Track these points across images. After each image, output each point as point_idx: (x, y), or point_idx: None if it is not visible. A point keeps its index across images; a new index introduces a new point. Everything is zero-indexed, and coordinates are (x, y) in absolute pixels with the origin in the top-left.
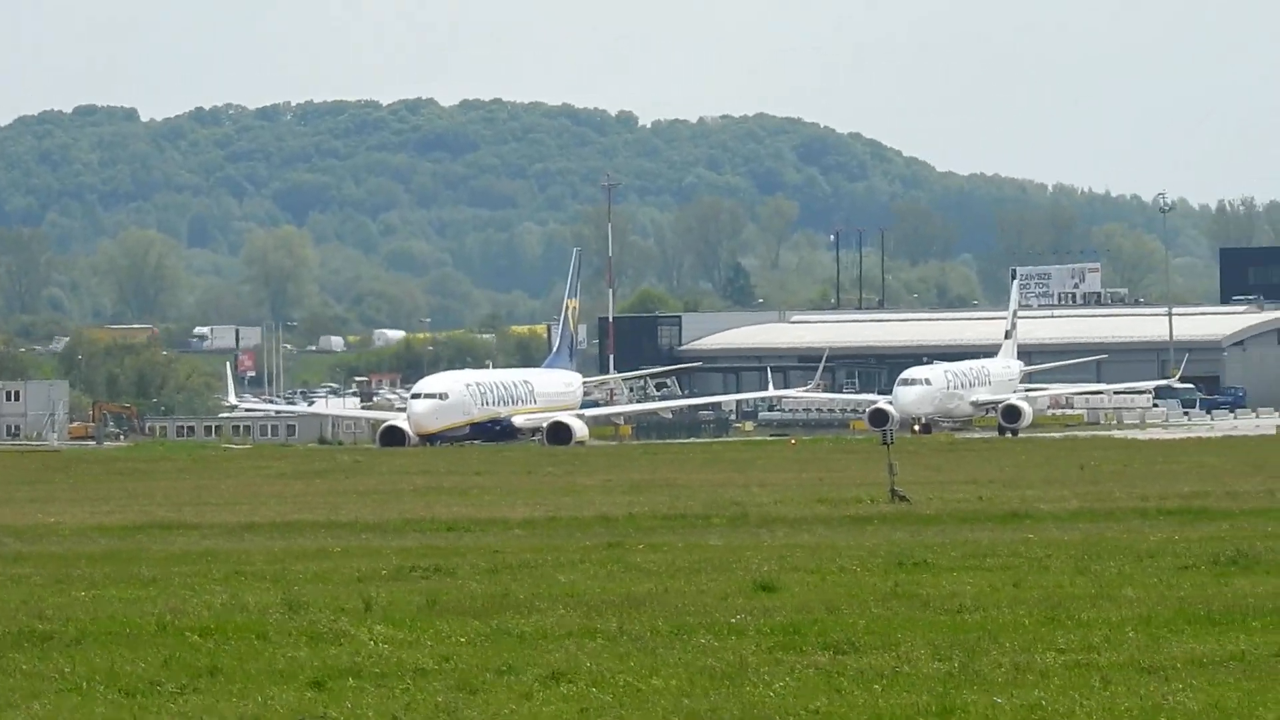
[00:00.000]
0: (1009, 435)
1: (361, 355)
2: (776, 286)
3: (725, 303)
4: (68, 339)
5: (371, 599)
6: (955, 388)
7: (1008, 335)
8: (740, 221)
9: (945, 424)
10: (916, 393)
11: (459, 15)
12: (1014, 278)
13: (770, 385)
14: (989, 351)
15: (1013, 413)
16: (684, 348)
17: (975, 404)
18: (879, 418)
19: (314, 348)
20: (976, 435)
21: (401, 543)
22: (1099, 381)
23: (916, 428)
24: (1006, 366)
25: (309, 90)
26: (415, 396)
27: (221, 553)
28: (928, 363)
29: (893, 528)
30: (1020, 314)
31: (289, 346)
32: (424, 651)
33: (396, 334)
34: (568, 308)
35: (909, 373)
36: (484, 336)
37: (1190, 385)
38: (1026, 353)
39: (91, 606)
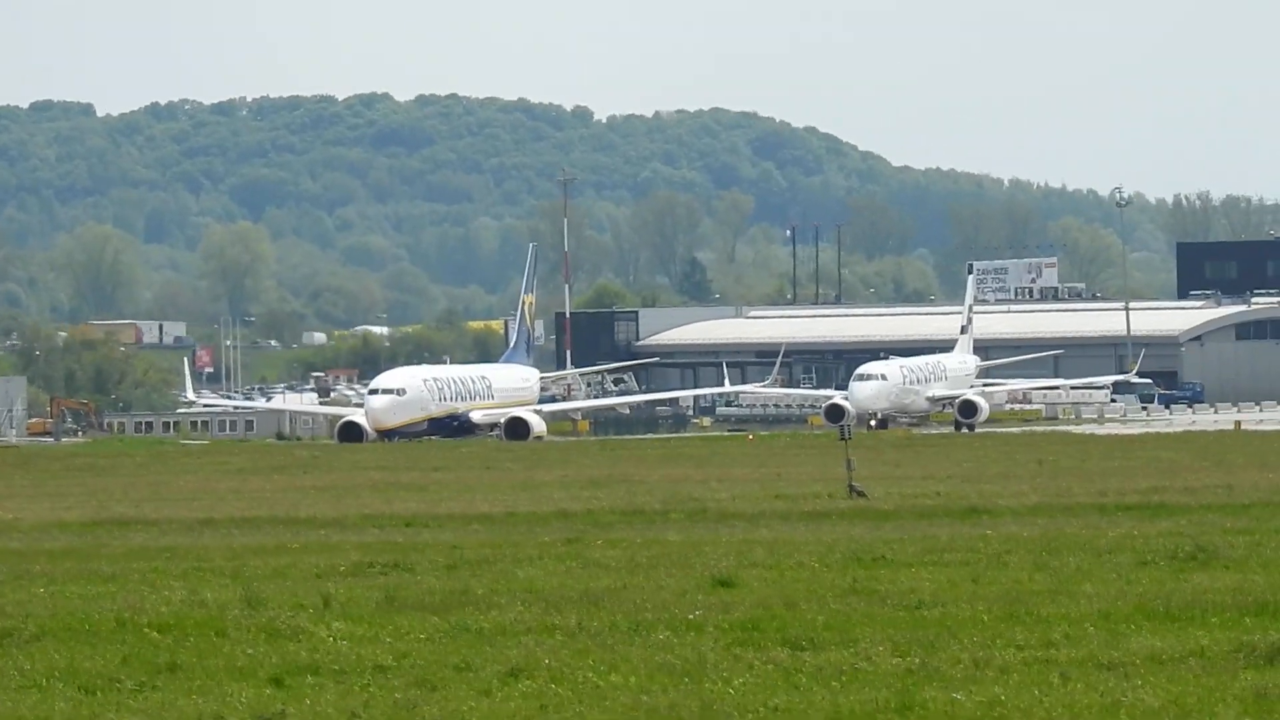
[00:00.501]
0: (965, 430)
1: (320, 350)
2: (733, 281)
3: (682, 298)
4: (15, 336)
5: (330, 595)
6: (911, 383)
7: (964, 330)
8: (696, 216)
9: (903, 419)
10: (872, 388)
11: (414, 10)
12: (970, 272)
13: (726, 380)
14: (946, 346)
15: (969, 408)
16: (641, 343)
17: (931, 399)
18: (835, 413)
19: (275, 344)
20: (934, 431)
21: (360, 539)
22: (1056, 376)
23: (873, 423)
24: (963, 362)
25: (265, 85)
26: (373, 392)
27: (180, 549)
28: (884, 358)
29: (851, 523)
30: (977, 309)
31: (229, 343)
32: (383, 648)
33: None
34: (524, 303)
35: (864, 368)
36: (445, 331)
37: (1148, 380)
38: (983, 348)
39: (50, 603)
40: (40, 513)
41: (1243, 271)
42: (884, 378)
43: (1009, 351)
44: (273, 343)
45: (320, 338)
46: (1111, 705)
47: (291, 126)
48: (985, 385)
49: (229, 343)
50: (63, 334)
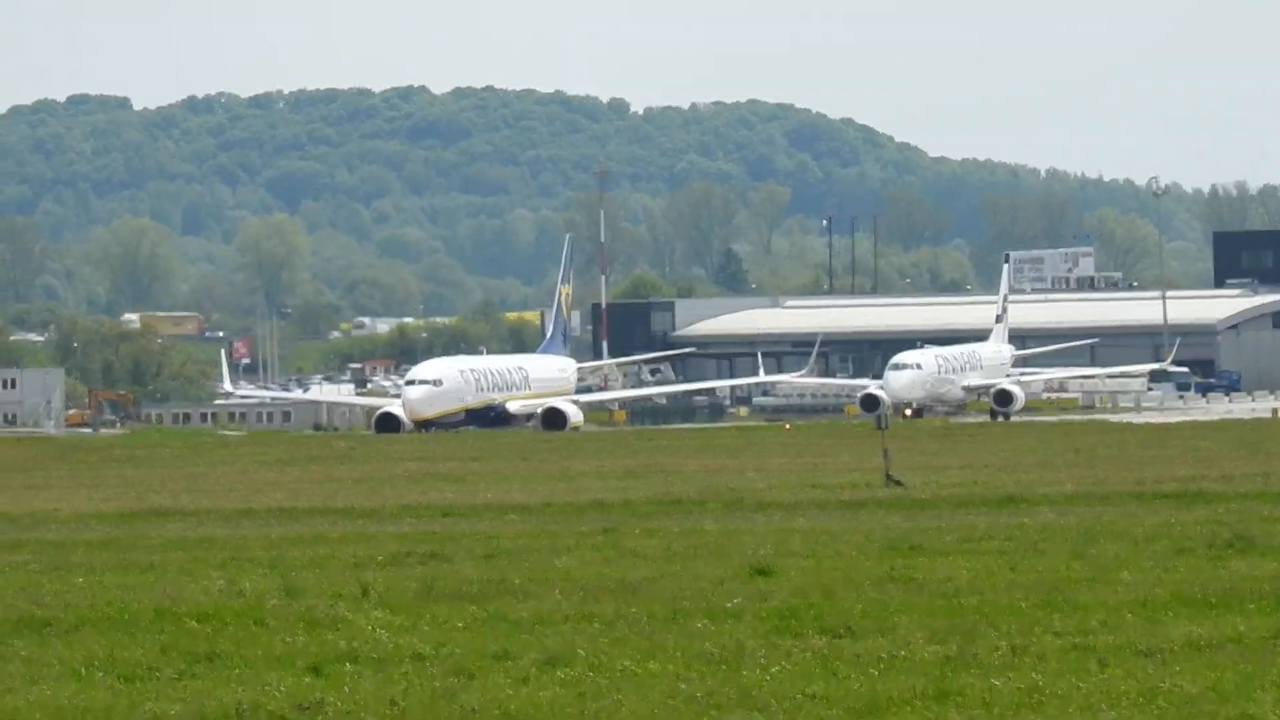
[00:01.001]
0: (1001, 419)
1: (356, 342)
2: (769, 272)
3: (718, 289)
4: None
5: (368, 585)
6: (946, 372)
7: (999, 320)
8: (732, 207)
9: (940, 409)
10: (908, 377)
11: (452, 3)
12: (1007, 262)
13: (761, 370)
14: (982, 336)
15: (1004, 397)
16: (677, 333)
17: (966, 388)
18: (870, 403)
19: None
20: (971, 420)
21: (397, 529)
22: (1093, 366)
23: (908, 412)
24: (998, 351)
25: (301, 79)
26: (410, 383)
27: (218, 539)
28: (920, 348)
29: (888, 512)
30: (1014, 298)
31: (264, 335)
32: (421, 637)
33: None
34: (561, 294)
35: (900, 357)
36: (481, 323)
37: (1185, 369)
38: (1020, 337)
39: (89, 593)
40: (78, 503)
41: (1279, 260)
42: (919, 367)
43: (1045, 341)
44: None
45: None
46: (1149, 692)
47: (328, 119)
48: (1022, 374)
49: (263, 334)
50: (132, 322)
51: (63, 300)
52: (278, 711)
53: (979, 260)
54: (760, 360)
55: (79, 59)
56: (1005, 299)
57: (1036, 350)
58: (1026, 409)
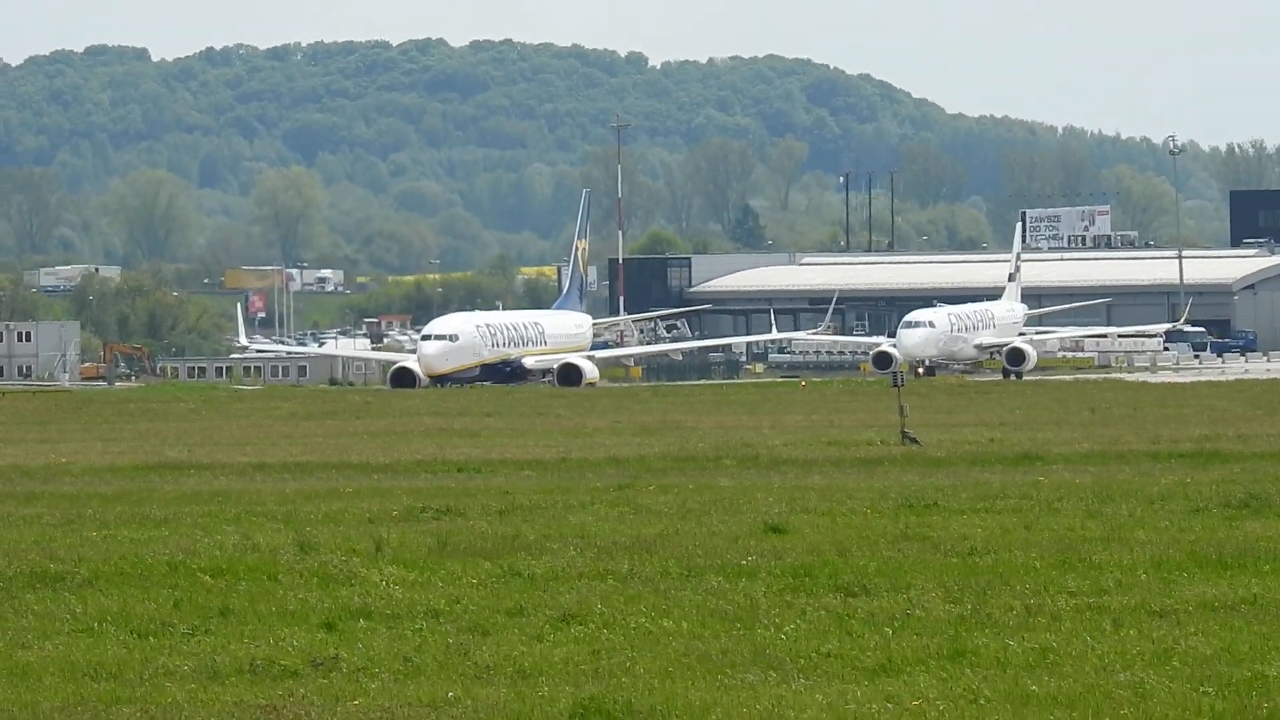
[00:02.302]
0: (1013, 378)
1: (371, 296)
2: (786, 228)
3: (734, 244)
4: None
5: (382, 540)
6: (959, 330)
7: (1011, 278)
8: (750, 163)
9: (955, 367)
10: (920, 335)
11: None
12: (1022, 220)
13: (774, 327)
14: (998, 294)
15: (1017, 355)
16: (694, 289)
17: (979, 347)
18: (883, 360)
19: (315, 287)
20: (986, 378)
21: (412, 484)
22: (1109, 325)
23: (920, 370)
24: (1010, 309)
25: (319, 31)
26: (426, 338)
27: (232, 493)
28: (934, 305)
29: (903, 470)
30: (1030, 257)
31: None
32: (435, 593)
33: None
34: (577, 249)
35: (912, 315)
36: (506, 281)
37: (1201, 329)
38: (1036, 295)
39: (103, 547)
40: (93, 457)
41: None
42: (932, 325)
43: (1061, 299)
44: (312, 286)
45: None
46: (1164, 652)
47: (345, 72)
48: (1037, 333)
49: (287, 286)
50: (220, 279)
51: (79, 252)
52: (291, 667)
53: (996, 217)
54: (774, 317)
55: (97, 9)
56: (1018, 257)
57: (1049, 309)
58: (1041, 368)
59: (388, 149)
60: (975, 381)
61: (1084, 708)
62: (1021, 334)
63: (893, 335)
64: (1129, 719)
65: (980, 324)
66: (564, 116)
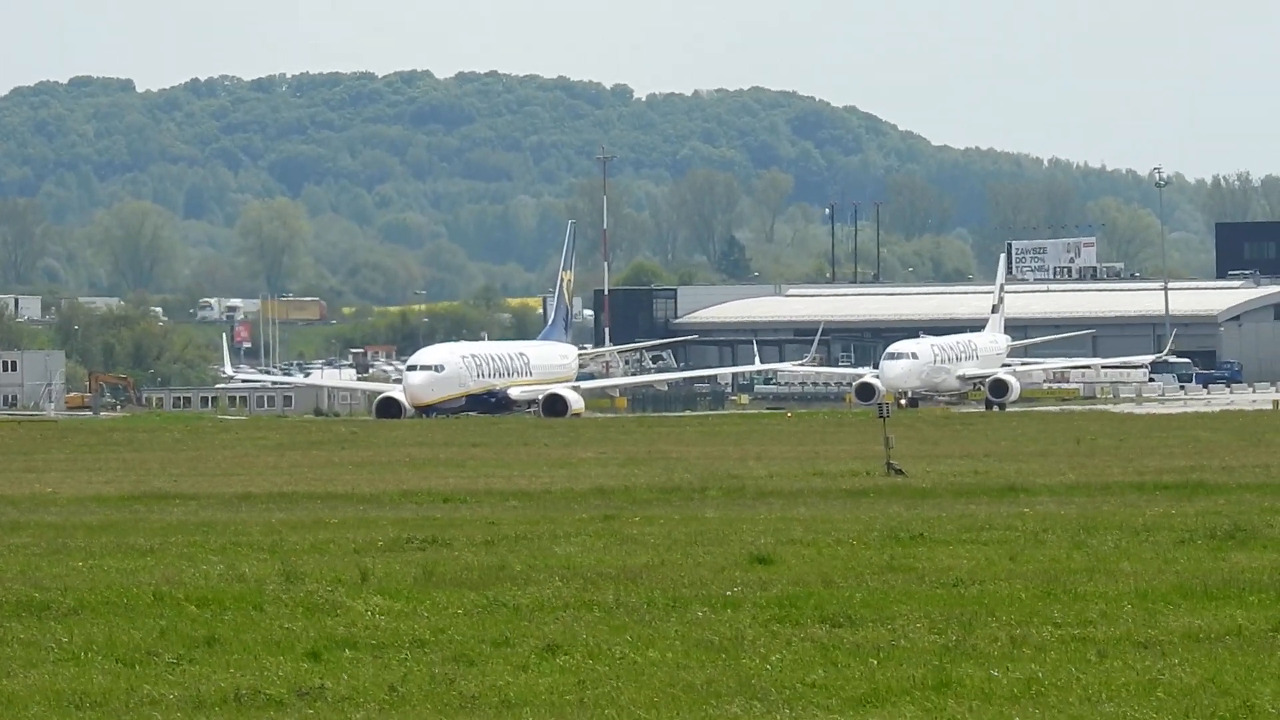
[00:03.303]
0: (996, 409)
1: (357, 327)
2: (771, 260)
3: (720, 276)
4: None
5: (368, 570)
6: (942, 362)
7: (994, 310)
8: (735, 195)
9: (940, 398)
10: (903, 366)
11: None
12: (1007, 252)
13: (757, 359)
14: (984, 325)
15: (1000, 387)
16: (679, 320)
17: (962, 378)
18: (866, 391)
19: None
20: (971, 409)
21: (398, 514)
22: (1095, 356)
23: (903, 401)
24: (994, 341)
25: (304, 62)
26: (411, 368)
27: (218, 523)
28: (919, 337)
29: (889, 501)
30: (1016, 288)
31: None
32: (420, 623)
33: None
34: (562, 280)
35: (895, 347)
36: (489, 312)
37: (1186, 360)
38: (1021, 326)
39: (88, 576)
40: (78, 486)
41: None
42: (915, 356)
43: (1047, 330)
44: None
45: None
46: (1149, 683)
47: (331, 103)
48: (1022, 364)
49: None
50: (251, 305)
51: (64, 283)
52: (276, 696)
53: (982, 249)
54: (757, 348)
55: (82, 40)
56: (1001, 289)
57: (1032, 340)
58: (1026, 399)
59: (373, 180)
60: (960, 413)
61: None
62: (1005, 365)
63: (877, 366)
64: None
65: (963, 355)
66: (549, 148)
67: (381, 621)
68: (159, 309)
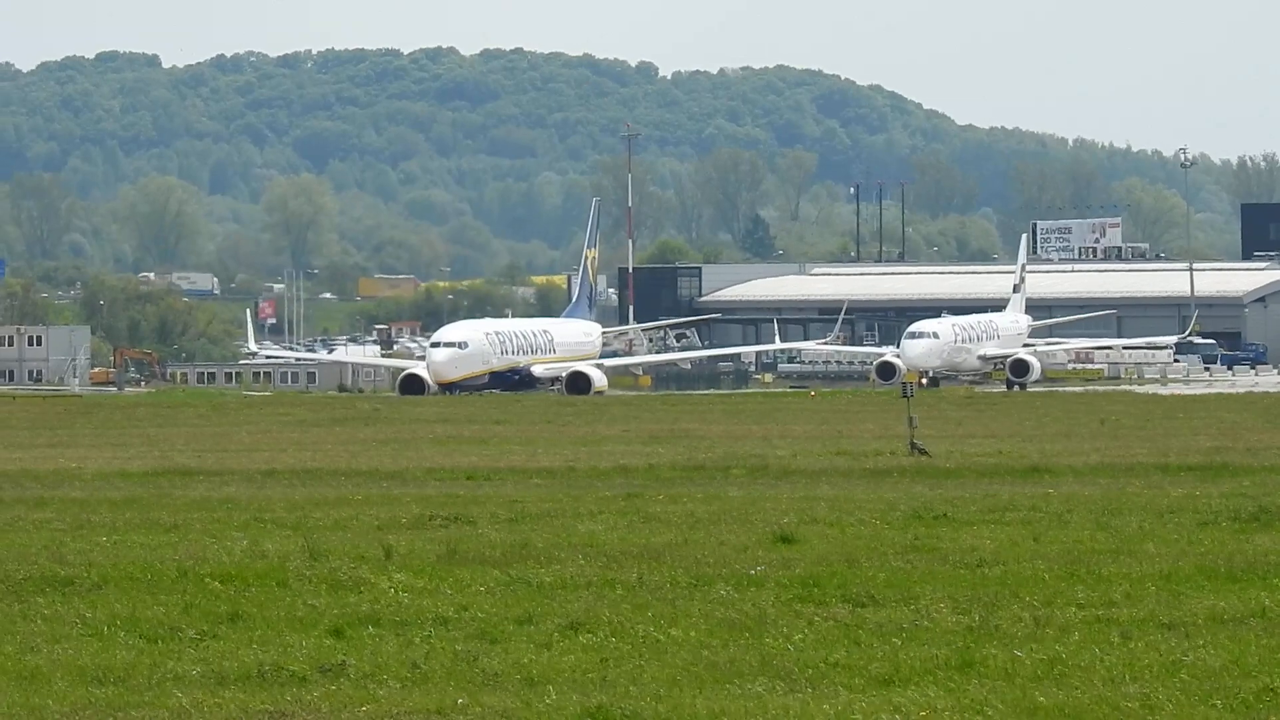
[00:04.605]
0: (1017, 389)
1: (381, 303)
2: (796, 239)
3: (744, 254)
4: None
5: (391, 547)
6: (963, 341)
7: (1015, 289)
8: (760, 173)
9: (964, 378)
10: (924, 346)
11: None
12: (1031, 232)
13: (778, 337)
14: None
15: (1021, 367)
16: (704, 299)
17: (983, 358)
18: (886, 371)
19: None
20: (995, 389)
21: (421, 491)
22: (1120, 336)
23: (924, 381)
24: (1015, 321)
25: (330, 38)
26: (435, 345)
27: (242, 500)
28: (941, 316)
29: (912, 481)
30: (1041, 268)
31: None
32: (443, 600)
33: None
34: (587, 258)
35: (916, 326)
36: (512, 288)
37: (1211, 341)
38: (1046, 307)
39: (112, 552)
40: (102, 462)
41: None
42: (936, 336)
43: (1072, 310)
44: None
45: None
46: (1172, 665)
47: (356, 80)
48: (1045, 344)
49: (289, 294)
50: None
51: (89, 258)
52: (299, 673)
53: (1006, 229)
54: (777, 327)
55: (108, 16)
56: (1023, 269)
57: (1052, 320)
58: (1051, 379)
59: (398, 157)
60: (984, 393)
61: (1092, 719)
62: (1027, 345)
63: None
64: None
65: (984, 335)
66: (574, 126)
67: (404, 599)
68: (185, 284)
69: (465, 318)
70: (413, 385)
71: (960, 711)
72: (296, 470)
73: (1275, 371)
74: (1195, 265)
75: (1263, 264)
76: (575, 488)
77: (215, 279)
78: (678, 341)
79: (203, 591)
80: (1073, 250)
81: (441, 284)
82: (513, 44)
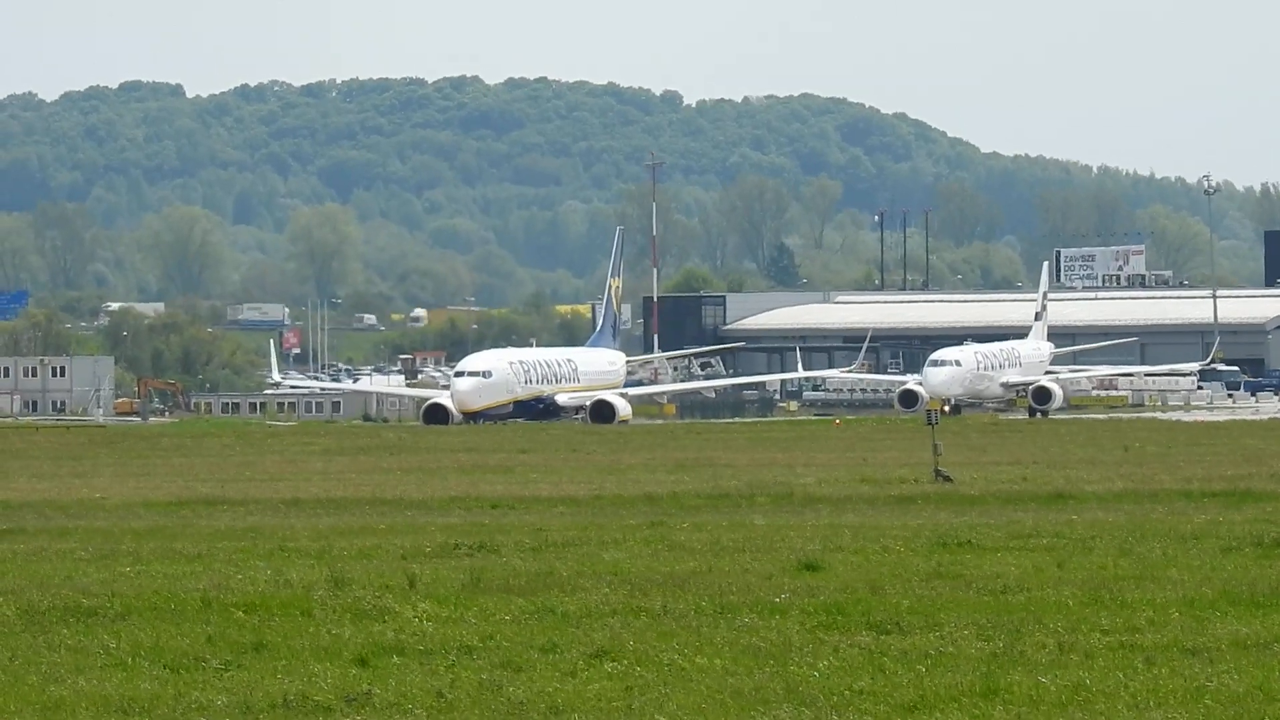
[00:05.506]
0: (1039, 416)
1: (405, 333)
2: (820, 267)
3: (769, 283)
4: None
5: (416, 576)
6: (985, 369)
7: (1038, 317)
8: (784, 201)
9: (988, 405)
10: (946, 373)
11: None
12: (1055, 260)
13: (800, 365)
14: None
15: (1043, 394)
16: (728, 327)
17: (1005, 385)
18: (909, 399)
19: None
20: (1019, 416)
21: (446, 520)
22: (1143, 363)
23: (946, 409)
24: (1037, 348)
25: (354, 67)
26: (459, 374)
27: (266, 529)
28: (964, 344)
29: (936, 508)
30: (1064, 296)
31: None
32: (468, 629)
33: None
34: (611, 286)
35: (939, 354)
36: (537, 317)
37: (1235, 368)
38: (1069, 334)
39: (136, 581)
40: (126, 492)
41: None
42: (958, 363)
43: (1095, 338)
44: (356, 325)
45: (420, 312)
46: (1196, 690)
47: (380, 109)
48: (1069, 371)
49: (321, 324)
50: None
51: (113, 288)
52: (324, 703)
53: (1030, 257)
54: (799, 355)
55: (132, 46)
56: (1045, 296)
57: (1074, 348)
58: (1075, 406)
59: (422, 186)
60: (1007, 420)
61: None
62: (1048, 372)
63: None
64: None
65: (1006, 362)
66: (599, 154)
67: (429, 628)
68: (256, 315)
69: (490, 347)
70: (437, 415)
71: None
72: (321, 499)
73: None
74: (1219, 292)
75: None
76: (600, 516)
77: (286, 309)
78: (702, 370)
79: (227, 621)
80: (1096, 278)
81: (466, 311)
82: (537, 73)
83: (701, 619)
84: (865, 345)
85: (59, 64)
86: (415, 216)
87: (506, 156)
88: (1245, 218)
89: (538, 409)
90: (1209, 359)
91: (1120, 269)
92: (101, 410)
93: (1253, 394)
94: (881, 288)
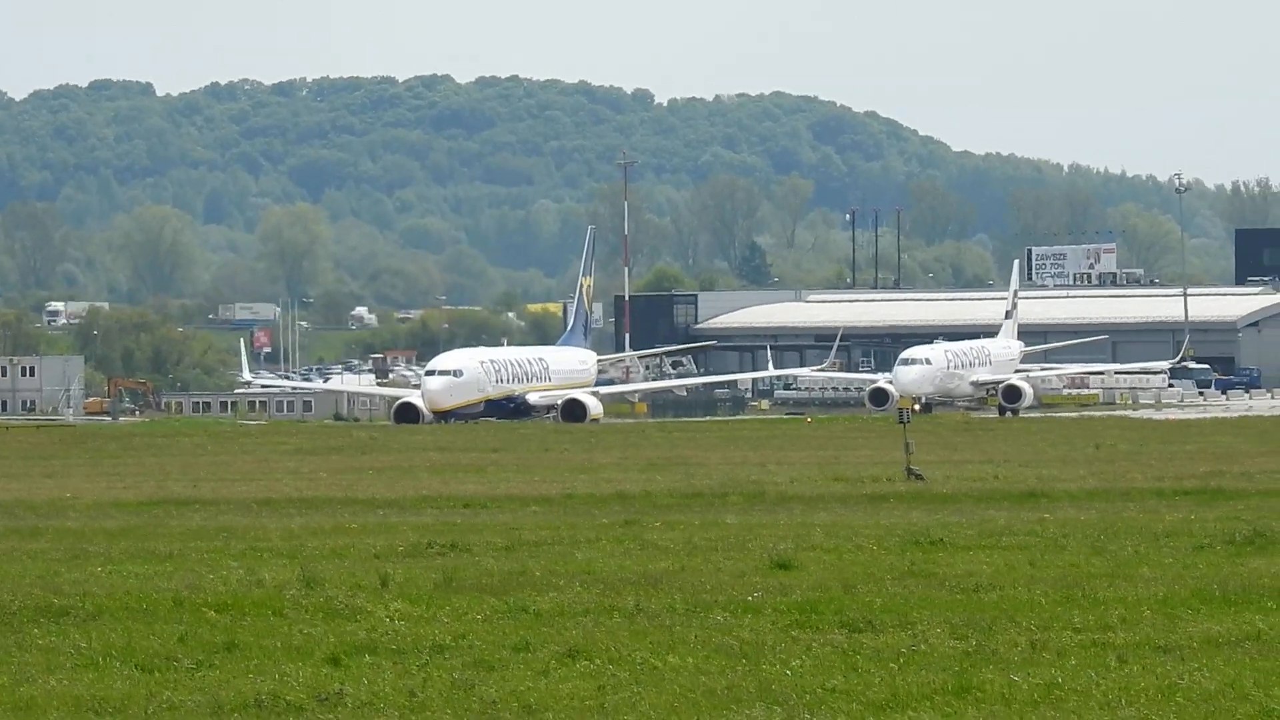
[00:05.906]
0: (1009, 415)
1: (377, 333)
2: (792, 265)
3: (740, 282)
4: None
5: (388, 575)
6: (956, 367)
7: (1008, 315)
8: (756, 200)
9: (960, 404)
10: (916, 372)
11: None
12: (1026, 258)
13: (770, 364)
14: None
15: (1013, 393)
16: (700, 326)
17: (975, 384)
18: (879, 397)
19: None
20: (990, 414)
21: (418, 519)
22: (1114, 361)
23: (916, 407)
24: (1007, 346)
25: (325, 66)
26: (430, 373)
27: (238, 529)
28: (935, 342)
29: (909, 506)
30: (1035, 294)
31: (304, 324)
32: (441, 628)
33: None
34: (582, 286)
35: (909, 352)
36: (506, 315)
37: (1205, 366)
38: (1041, 332)
39: (108, 581)
40: (97, 492)
41: None
42: (929, 362)
43: (1066, 336)
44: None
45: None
46: (1168, 688)
47: (351, 108)
48: (1042, 369)
49: (304, 324)
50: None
51: (83, 288)
52: (296, 702)
53: (1002, 255)
54: (770, 354)
55: (102, 44)
56: (1015, 295)
57: (1044, 346)
58: (1046, 405)
59: (393, 185)
60: (979, 418)
61: None
62: (1018, 371)
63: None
64: None
65: (976, 361)
66: (570, 153)
67: (402, 627)
68: (247, 314)
69: (461, 346)
70: (408, 414)
71: None
72: (293, 499)
73: (1269, 396)
74: (1189, 290)
75: (1256, 289)
76: (572, 515)
77: (276, 308)
78: (674, 369)
79: (199, 621)
80: (1068, 276)
81: (437, 311)
82: (508, 71)
83: (674, 618)
84: (836, 344)
85: (27, 63)
86: (386, 216)
87: (478, 155)
88: (1216, 216)
89: (509, 408)
90: (1180, 357)
91: (1091, 267)
92: (71, 410)
93: (1223, 392)
94: (853, 286)
